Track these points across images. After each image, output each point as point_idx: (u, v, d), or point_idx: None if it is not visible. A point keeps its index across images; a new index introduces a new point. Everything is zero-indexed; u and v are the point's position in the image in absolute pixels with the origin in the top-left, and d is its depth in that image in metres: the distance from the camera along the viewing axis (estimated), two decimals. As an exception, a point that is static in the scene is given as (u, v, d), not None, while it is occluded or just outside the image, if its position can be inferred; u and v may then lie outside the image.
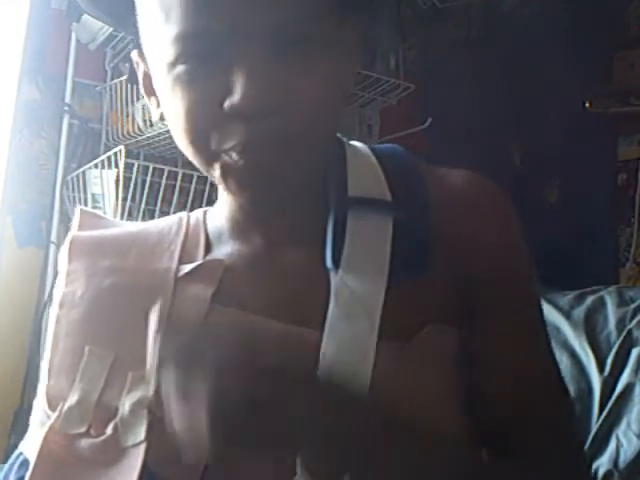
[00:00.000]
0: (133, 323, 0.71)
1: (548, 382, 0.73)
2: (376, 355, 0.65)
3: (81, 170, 2.14)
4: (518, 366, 0.70)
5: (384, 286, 0.67)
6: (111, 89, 2.20)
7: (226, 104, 0.63)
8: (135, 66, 0.76)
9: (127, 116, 2.10)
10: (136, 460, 0.63)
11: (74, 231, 0.81)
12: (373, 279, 0.68)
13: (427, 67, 2.70)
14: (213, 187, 2.17)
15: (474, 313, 0.71)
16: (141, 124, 2.06)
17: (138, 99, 2.07)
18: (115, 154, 2.01)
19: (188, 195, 2.05)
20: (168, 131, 2.22)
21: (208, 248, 0.77)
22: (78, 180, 2.14)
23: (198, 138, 0.66)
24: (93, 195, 2.06)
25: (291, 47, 0.63)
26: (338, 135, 0.78)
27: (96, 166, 2.09)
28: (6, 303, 2.10)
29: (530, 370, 0.71)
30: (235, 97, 0.62)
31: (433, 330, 0.68)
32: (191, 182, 2.11)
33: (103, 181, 2.03)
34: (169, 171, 2.08)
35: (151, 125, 2.02)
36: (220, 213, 0.79)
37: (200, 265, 0.73)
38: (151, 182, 2.07)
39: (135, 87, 2.06)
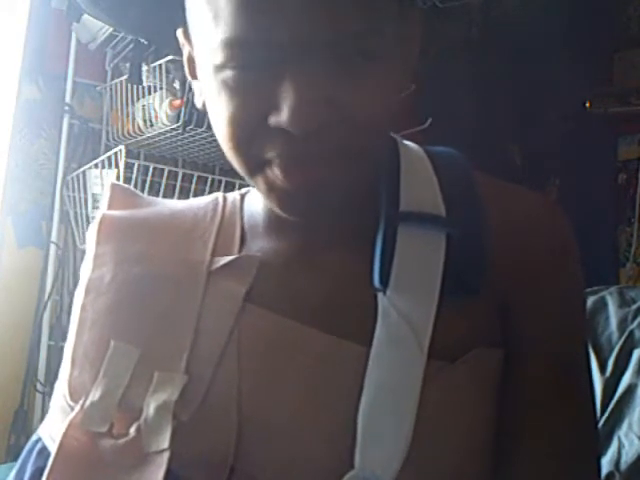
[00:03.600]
0: (161, 318, 0.68)
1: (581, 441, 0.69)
2: (424, 375, 0.63)
3: (81, 170, 2.14)
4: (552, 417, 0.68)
5: (434, 309, 0.64)
6: (111, 89, 2.20)
7: (272, 120, 0.59)
8: (181, 46, 0.72)
9: (127, 116, 2.10)
10: (159, 468, 0.61)
11: (104, 209, 0.77)
12: (423, 301, 0.65)
13: (427, 67, 2.69)
14: (213, 187, 2.17)
15: (514, 341, 0.68)
16: (141, 124, 2.06)
17: (138, 99, 2.07)
18: (115, 154, 2.01)
19: (188, 195, 2.05)
20: (168, 131, 2.21)
21: (243, 240, 0.73)
22: (78, 180, 2.14)
23: (241, 146, 0.62)
24: (93, 195, 2.06)
25: (347, 63, 0.59)
26: (392, 135, 0.74)
27: (96, 166, 2.09)
28: (6, 303, 2.10)
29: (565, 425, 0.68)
30: (283, 116, 0.58)
31: (479, 353, 0.65)
32: (191, 182, 2.11)
33: (103, 181, 2.03)
34: (169, 171, 2.08)
35: (151, 125, 2.03)
36: (258, 203, 0.74)
37: (234, 260, 0.70)
38: (151, 182, 2.07)
39: (135, 87, 2.06)
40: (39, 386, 2.08)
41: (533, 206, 0.71)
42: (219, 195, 0.78)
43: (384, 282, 0.65)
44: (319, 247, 0.70)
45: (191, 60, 0.70)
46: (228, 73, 0.60)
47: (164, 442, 0.62)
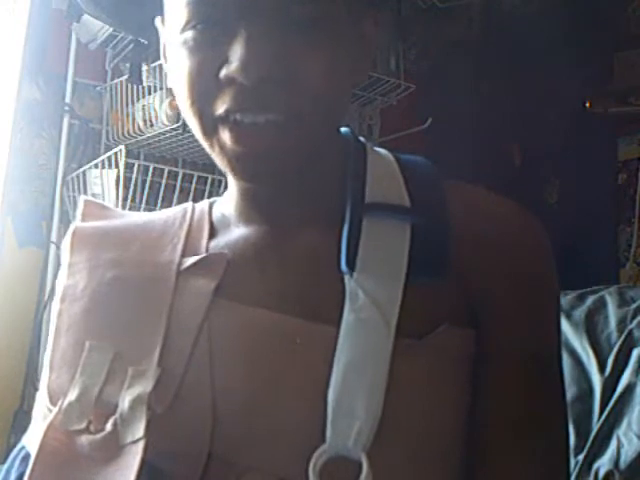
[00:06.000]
0: (134, 317, 0.71)
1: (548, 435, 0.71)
2: (393, 352, 0.65)
3: (81, 170, 2.14)
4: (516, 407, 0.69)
5: (401, 289, 0.67)
6: (111, 89, 2.20)
7: (222, 72, 0.64)
8: (159, 35, 0.77)
9: (127, 116, 2.10)
10: (135, 457, 0.63)
11: (77, 222, 0.80)
12: (389, 283, 0.67)
13: (427, 67, 2.70)
14: (213, 187, 2.17)
15: (480, 325, 0.70)
16: (141, 124, 2.06)
17: (138, 99, 2.07)
18: (115, 154, 2.01)
19: (188, 195, 2.05)
20: (168, 131, 2.21)
21: (211, 237, 0.77)
22: (78, 180, 2.14)
23: (196, 102, 0.66)
24: (93, 195, 2.06)
25: (296, 24, 0.64)
26: (361, 139, 0.78)
27: (96, 166, 2.09)
28: (6, 303, 2.10)
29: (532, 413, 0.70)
30: (231, 66, 0.63)
31: (447, 330, 0.68)
32: (191, 182, 2.11)
33: (103, 181, 2.03)
34: (169, 171, 2.08)
35: (151, 125, 2.02)
36: (227, 200, 0.78)
37: (202, 258, 0.73)
38: (151, 182, 2.07)
39: (135, 87, 2.06)
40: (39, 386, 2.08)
41: (501, 207, 0.73)
42: (188, 204, 0.82)
43: (351, 265, 0.68)
44: (287, 237, 0.73)
45: (165, 44, 0.74)
46: (189, 33, 0.66)
47: (139, 432, 0.64)
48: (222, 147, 0.67)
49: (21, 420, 2.09)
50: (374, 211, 0.71)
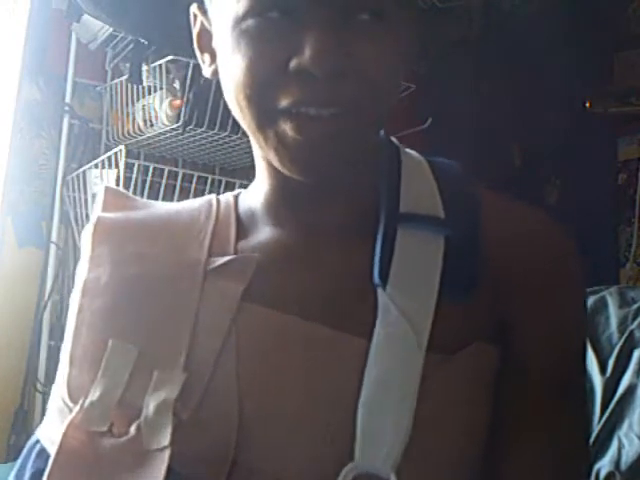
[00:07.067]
0: (160, 318, 0.69)
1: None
2: (423, 369, 0.64)
3: (81, 170, 2.14)
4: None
5: (433, 304, 0.66)
6: (111, 89, 2.20)
7: (293, 63, 0.62)
8: (192, 19, 0.74)
9: (127, 116, 2.10)
10: (160, 465, 0.61)
11: (98, 211, 0.78)
12: (422, 298, 0.66)
13: (427, 67, 2.69)
14: (213, 187, 2.17)
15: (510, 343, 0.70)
16: (141, 124, 2.06)
17: (138, 99, 2.07)
18: (115, 154, 2.01)
19: (188, 195, 2.05)
20: (168, 131, 2.21)
21: (239, 235, 0.74)
22: (78, 180, 2.14)
23: (257, 93, 0.64)
24: (93, 195, 2.06)
25: (365, 18, 0.63)
26: (394, 141, 0.77)
27: (96, 166, 2.09)
28: (6, 303, 2.10)
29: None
30: (304, 57, 0.61)
31: (478, 348, 0.67)
32: (191, 182, 2.11)
33: (103, 181, 2.03)
34: (169, 171, 2.08)
35: (151, 125, 2.02)
36: (255, 197, 0.76)
37: (231, 260, 0.71)
38: (151, 182, 2.07)
39: (135, 87, 2.06)
40: (39, 386, 2.08)
41: (535, 221, 0.72)
42: (213, 197, 0.79)
43: (383, 278, 0.66)
44: (319, 242, 0.71)
45: (202, 33, 0.73)
46: (250, 22, 0.63)
47: (165, 440, 0.62)
48: (281, 137, 0.64)
49: (21, 420, 2.09)
50: (408, 222, 0.69)
